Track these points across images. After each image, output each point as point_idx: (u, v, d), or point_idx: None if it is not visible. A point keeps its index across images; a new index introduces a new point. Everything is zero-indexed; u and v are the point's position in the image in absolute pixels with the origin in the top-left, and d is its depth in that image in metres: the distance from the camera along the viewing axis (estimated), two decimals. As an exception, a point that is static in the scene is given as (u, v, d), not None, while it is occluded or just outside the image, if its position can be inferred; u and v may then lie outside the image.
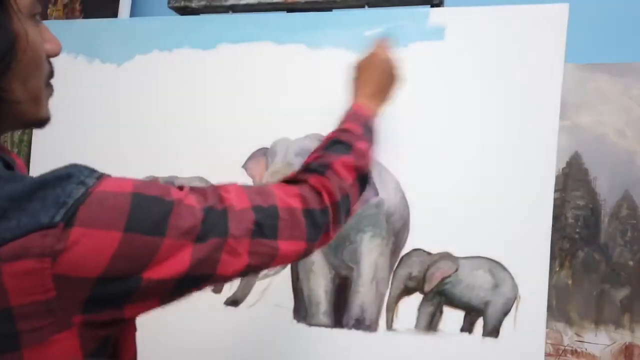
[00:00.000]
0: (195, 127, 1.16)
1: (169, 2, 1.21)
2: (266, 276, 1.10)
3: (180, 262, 0.55)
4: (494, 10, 1.05)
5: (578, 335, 1.33)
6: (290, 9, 1.15)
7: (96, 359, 0.55)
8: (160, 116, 1.19)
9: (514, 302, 1.00)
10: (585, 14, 1.24)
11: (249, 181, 1.12)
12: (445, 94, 1.06)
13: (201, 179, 1.13)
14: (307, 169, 0.77)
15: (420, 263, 1.04)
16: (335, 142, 0.81)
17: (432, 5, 1.09)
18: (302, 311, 1.08)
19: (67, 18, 1.62)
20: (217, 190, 0.63)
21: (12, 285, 0.48)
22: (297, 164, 1.09)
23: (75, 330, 0.51)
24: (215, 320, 1.10)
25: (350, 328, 1.05)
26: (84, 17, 1.62)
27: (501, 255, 1.01)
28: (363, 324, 1.05)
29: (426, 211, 1.04)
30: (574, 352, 1.33)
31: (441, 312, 1.03)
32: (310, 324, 1.07)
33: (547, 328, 1.00)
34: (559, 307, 1.33)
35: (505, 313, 1.00)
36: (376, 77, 0.92)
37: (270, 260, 0.65)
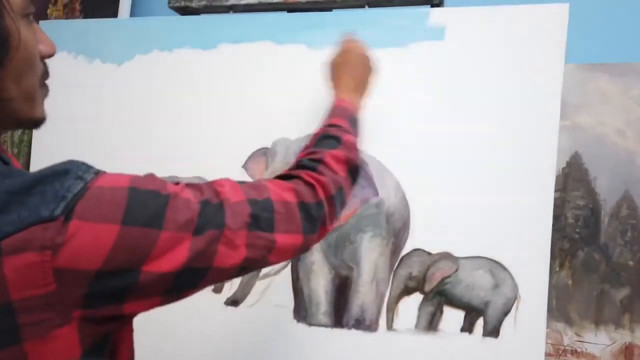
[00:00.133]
0: (196, 127, 1.16)
1: (169, 2, 1.21)
2: (266, 276, 1.10)
3: (178, 254, 0.56)
4: (494, 11, 1.05)
5: (578, 335, 1.33)
6: (291, 9, 1.15)
7: (95, 355, 0.56)
8: (161, 116, 1.19)
9: (514, 302, 1.00)
10: (585, 14, 1.24)
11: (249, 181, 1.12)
12: (445, 94, 1.06)
13: (201, 179, 1.13)
14: (298, 165, 0.78)
15: (421, 263, 1.04)
16: (324, 137, 0.82)
17: (432, 5, 1.09)
18: (302, 311, 1.08)
19: (67, 18, 1.62)
20: (212, 185, 0.64)
21: (13, 278, 0.48)
22: (297, 164, 1.09)
23: (75, 325, 0.52)
24: (215, 320, 1.10)
25: (350, 328, 1.05)
26: (84, 17, 1.62)
27: (501, 255, 1.01)
28: (363, 324, 1.05)
29: (426, 211, 1.04)
30: (574, 352, 1.33)
31: (441, 312, 1.03)
32: (311, 324, 1.07)
33: (547, 328, 1.00)
34: (559, 307, 1.33)
35: (506, 313, 1.00)
36: (353, 72, 0.94)
37: (267, 254, 0.66)
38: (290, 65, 1.13)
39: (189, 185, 0.62)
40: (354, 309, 1.06)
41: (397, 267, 1.05)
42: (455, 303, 1.03)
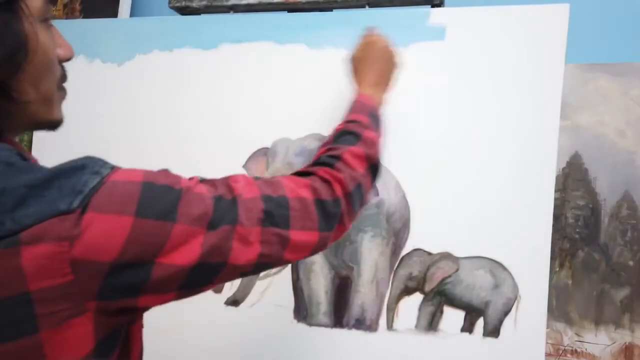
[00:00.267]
0: (196, 126, 1.16)
1: (169, 2, 1.21)
2: (266, 276, 1.10)
3: (192, 248, 0.57)
4: (495, 11, 1.05)
5: (578, 335, 1.33)
6: (291, 9, 1.15)
7: (107, 348, 0.57)
8: (161, 116, 1.19)
9: (514, 302, 1.00)
10: (586, 14, 1.25)
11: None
12: (446, 94, 1.06)
13: (201, 179, 1.13)
14: (317, 162, 0.78)
15: (421, 263, 1.04)
16: (344, 134, 0.81)
17: (433, 5, 1.09)
18: (302, 311, 1.08)
19: (67, 18, 1.62)
20: (226, 180, 0.64)
21: (31, 269, 0.50)
22: (297, 163, 1.09)
23: (90, 315, 0.53)
24: (215, 320, 1.10)
25: (350, 328, 1.05)
26: (84, 17, 1.62)
27: (502, 255, 1.01)
28: (363, 324, 1.05)
29: (427, 211, 1.04)
30: (574, 352, 1.33)
31: (441, 312, 1.03)
32: (311, 324, 1.07)
33: (547, 328, 1.00)
34: (559, 307, 1.34)
35: (506, 313, 1.00)
36: (376, 66, 0.93)
37: (282, 250, 0.66)
38: (290, 65, 1.13)
39: (203, 180, 0.63)
40: (354, 309, 1.06)
41: (398, 267, 1.05)
42: (456, 303, 1.03)
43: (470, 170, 1.03)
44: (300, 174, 0.75)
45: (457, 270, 1.03)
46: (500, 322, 1.00)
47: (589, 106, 1.33)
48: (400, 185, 1.06)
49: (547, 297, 0.99)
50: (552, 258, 1.01)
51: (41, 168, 0.54)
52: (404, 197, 1.05)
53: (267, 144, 1.12)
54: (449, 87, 1.06)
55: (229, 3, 1.18)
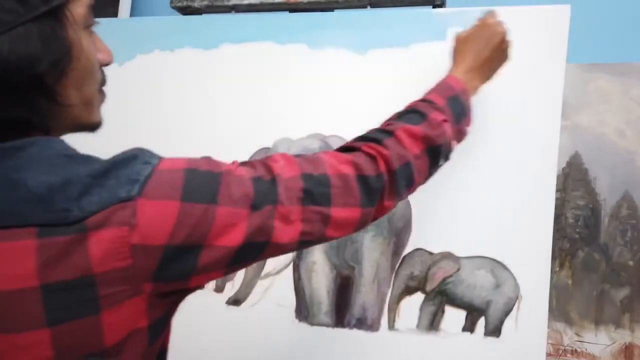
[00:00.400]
0: (197, 127, 1.16)
1: (171, 2, 1.21)
2: (268, 275, 1.10)
3: (237, 230, 0.60)
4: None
5: (578, 335, 1.33)
6: (293, 9, 1.15)
7: (159, 327, 0.61)
8: (162, 116, 1.19)
9: (515, 301, 1.00)
10: (586, 14, 1.25)
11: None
12: (447, 94, 1.06)
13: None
14: (366, 136, 0.77)
15: (422, 263, 1.04)
16: (410, 111, 0.80)
17: (434, 6, 1.09)
18: (303, 311, 1.08)
19: (67, 18, 1.62)
20: (265, 161, 0.66)
21: (96, 253, 0.53)
22: (298, 163, 1.09)
23: (145, 297, 0.56)
24: (217, 319, 1.10)
25: (351, 328, 1.05)
26: (84, 17, 1.62)
27: (502, 255, 1.01)
28: (365, 324, 1.05)
29: (428, 211, 1.04)
30: (574, 352, 1.33)
31: (443, 312, 1.03)
32: (312, 324, 1.07)
33: (547, 328, 1.00)
34: (559, 307, 1.34)
35: (507, 313, 1.00)
36: (480, 50, 0.89)
37: (324, 227, 0.67)
38: (291, 65, 1.13)
39: (242, 163, 0.65)
40: (356, 308, 1.06)
41: (399, 266, 1.05)
42: (457, 303, 1.03)
43: (471, 170, 1.04)
44: (344, 149, 0.75)
45: (458, 270, 1.03)
46: (501, 321, 1.01)
47: (589, 106, 1.33)
48: (401, 185, 1.06)
49: (548, 296, 0.99)
50: (552, 258, 1.01)
51: (97, 159, 0.58)
52: (405, 197, 1.05)
53: (268, 144, 1.12)
54: (450, 87, 1.06)
55: (230, 3, 1.18)
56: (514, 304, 1.00)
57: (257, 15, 1.17)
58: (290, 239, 0.64)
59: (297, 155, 0.69)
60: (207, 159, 0.62)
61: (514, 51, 1.03)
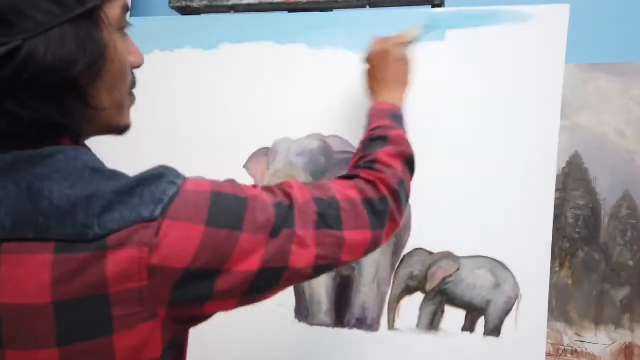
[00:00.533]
0: (196, 127, 1.16)
1: (170, 2, 1.21)
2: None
3: (256, 255, 0.59)
4: (495, 11, 1.05)
5: (578, 335, 1.33)
6: (292, 9, 1.15)
7: (172, 352, 0.59)
8: (161, 116, 1.18)
9: (515, 301, 1.00)
10: (586, 14, 1.25)
11: (250, 181, 1.12)
12: (446, 94, 1.06)
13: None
14: (356, 167, 0.79)
15: (422, 262, 1.04)
16: (371, 141, 0.83)
17: (433, 6, 1.09)
18: (303, 311, 1.08)
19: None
20: (282, 187, 0.66)
21: (112, 272, 0.52)
22: (298, 163, 1.09)
23: (159, 321, 0.55)
24: (216, 319, 1.09)
25: (351, 327, 1.05)
26: (84, 17, 1.62)
27: (502, 254, 1.01)
28: (365, 324, 1.05)
29: (427, 211, 1.04)
30: (574, 352, 1.33)
31: (443, 312, 1.03)
32: (312, 324, 1.07)
33: (547, 328, 1.00)
34: (559, 307, 1.34)
35: (507, 312, 1.00)
36: (382, 71, 0.94)
37: (338, 251, 0.67)
38: (291, 65, 1.13)
39: (264, 188, 0.65)
40: (356, 308, 1.06)
41: (399, 266, 1.05)
42: (457, 302, 1.03)
43: (471, 170, 1.04)
44: (344, 177, 0.77)
45: (458, 269, 1.03)
46: (501, 321, 1.01)
47: (589, 106, 1.33)
48: (401, 185, 1.06)
49: (547, 296, 0.99)
50: (552, 258, 1.01)
51: (123, 175, 0.57)
52: (405, 197, 1.05)
53: (268, 144, 1.12)
54: (449, 87, 1.06)
55: (230, 3, 1.18)
56: (513, 304, 1.00)
57: (257, 15, 1.17)
58: (306, 264, 0.64)
59: (305, 184, 0.69)
60: (232, 182, 0.62)
61: (513, 51, 1.04)
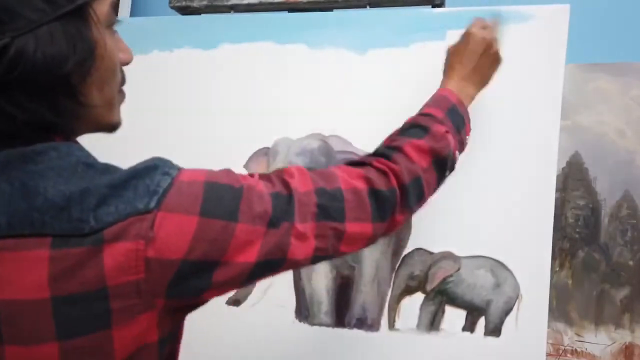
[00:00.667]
0: (196, 127, 1.16)
1: (170, 2, 1.21)
2: (268, 276, 1.09)
3: (254, 247, 0.59)
4: (495, 11, 1.05)
5: (578, 335, 1.33)
6: (292, 8, 1.15)
7: (169, 341, 0.60)
8: (161, 116, 1.18)
9: (515, 301, 1.00)
10: (586, 14, 1.25)
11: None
12: (446, 94, 1.06)
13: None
14: (375, 152, 0.78)
15: (422, 262, 1.04)
16: (412, 126, 0.81)
17: (434, 6, 1.09)
18: (303, 311, 1.08)
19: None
20: (281, 175, 0.66)
21: (110, 265, 0.52)
22: (298, 163, 1.09)
23: (156, 312, 0.55)
24: (216, 320, 1.10)
25: (352, 327, 1.05)
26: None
27: (502, 254, 1.01)
28: (365, 324, 1.05)
29: (428, 211, 1.04)
30: (574, 352, 1.33)
31: (443, 312, 1.03)
32: (312, 324, 1.07)
33: (547, 328, 1.00)
34: (559, 307, 1.34)
35: (507, 312, 1.00)
36: (470, 59, 0.90)
37: (337, 243, 0.67)
38: (291, 65, 1.13)
39: (261, 177, 0.65)
40: (356, 308, 1.06)
41: (399, 266, 1.05)
42: (457, 302, 1.03)
43: (471, 170, 1.03)
44: (355, 163, 0.75)
45: (458, 269, 1.03)
46: (502, 321, 1.00)
47: (589, 106, 1.33)
48: (401, 185, 1.06)
49: (548, 296, 0.99)
50: (552, 258, 1.01)
51: (116, 168, 0.57)
52: (405, 197, 1.05)
53: (268, 143, 1.12)
54: (450, 87, 1.06)
55: (230, 3, 1.18)
56: (514, 304, 1.00)
57: (256, 15, 1.17)
58: (305, 255, 0.64)
59: (311, 169, 0.69)
60: (227, 171, 0.62)
61: (513, 51, 1.03)
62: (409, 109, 1.06)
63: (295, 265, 0.64)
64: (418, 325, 1.03)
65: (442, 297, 1.03)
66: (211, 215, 0.56)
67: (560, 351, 1.34)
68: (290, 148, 1.10)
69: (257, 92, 1.14)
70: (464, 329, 1.02)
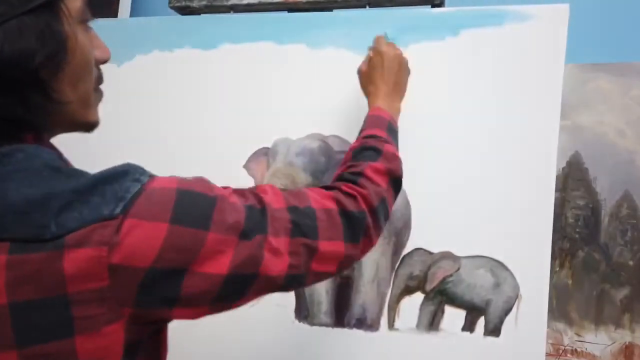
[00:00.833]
0: (196, 127, 1.16)
1: (169, 2, 1.21)
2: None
3: (225, 258, 0.57)
4: (495, 11, 1.05)
5: (578, 335, 1.33)
6: (291, 9, 1.15)
7: (132, 353, 0.57)
8: (161, 117, 1.18)
9: (515, 301, 1.00)
10: (586, 14, 1.25)
11: (250, 181, 1.12)
12: (446, 94, 1.06)
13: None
14: (339, 178, 0.78)
15: (422, 262, 1.04)
16: (363, 149, 0.82)
17: (433, 6, 1.09)
18: (303, 311, 1.08)
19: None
20: (255, 191, 0.65)
21: (71, 271, 0.50)
22: (298, 163, 1.09)
23: (123, 322, 0.54)
24: (216, 320, 1.09)
25: (351, 327, 1.05)
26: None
27: (502, 254, 1.01)
28: (364, 324, 1.05)
29: (427, 211, 1.04)
30: (574, 352, 1.33)
31: (442, 312, 1.03)
32: (312, 324, 1.07)
33: (547, 328, 1.00)
34: (559, 307, 1.34)
35: (507, 312, 1.00)
36: (388, 76, 0.93)
37: (309, 260, 0.66)
38: (291, 65, 1.13)
39: (235, 191, 0.63)
40: (355, 308, 1.06)
41: (399, 266, 1.05)
42: (457, 302, 1.03)
43: (471, 170, 1.04)
44: (323, 187, 0.75)
45: (458, 269, 1.03)
46: (501, 321, 1.00)
47: (589, 106, 1.33)
48: (401, 185, 1.06)
49: (547, 296, 0.99)
50: (552, 258, 1.01)
51: (84, 173, 0.55)
52: (405, 197, 1.05)
53: (268, 143, 1.12)
54: (449, 87, 1.06)
55: (229, 3, 1.18)
56: (513, 304, 1.00)
57: (256, 15, 1.17)
58: (279, 272, 0.62)
59: (283, 189, 0.68)
60: (200, 180, 0.60)
61: (513, 51, 1.03)
62: (409, 109, 1.06)
63: (268, 283, 0.62)
64: (418, 325, 1.03)
65: (441, 297, 1.03)
66: (182, 223, 0.55)
67: (560, 351, 1.34)
68: (290, 148, 1.10)
69: (257, 92, 1.14)
70: (464, 329, 1.02)
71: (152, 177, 0.57)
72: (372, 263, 1.06)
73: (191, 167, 1.14)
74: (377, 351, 1.04)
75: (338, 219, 0.69)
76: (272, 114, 1.13)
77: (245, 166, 1.13)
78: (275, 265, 0.61)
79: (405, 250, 1.05)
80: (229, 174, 1.10)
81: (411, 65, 0.99)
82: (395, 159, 0.83)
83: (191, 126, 1.17)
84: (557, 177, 1.25)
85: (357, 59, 1.05)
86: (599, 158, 1.33)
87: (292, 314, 1.08)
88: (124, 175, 0.55)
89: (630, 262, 1.31)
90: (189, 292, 0.56)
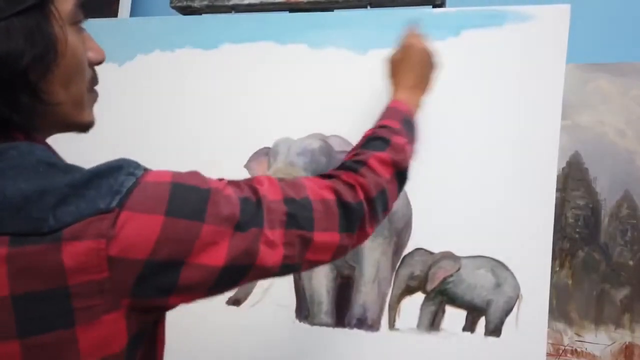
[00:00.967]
0: (197, 127, 1.16)
1: (171, 2, 1.21)
2: (268, 276, 1.10)
3: (221, 249, 0.58)
4: (496, 11, 1.06)
5: (578, 335, 1.33)
6: (293, 9, 1.15)
7: (139, 343, 0.58)
8: (162, 116, 1.19)
9: (515, 301, 1.00)
10: (586, 14, 1.25)
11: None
12: (447, 94, 1.06)
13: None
14: (341, 166, 0.78)
15: (423, 262, 1.04)
16: (372, 139, 0.82)
17: (434, 6, 1.09)
18: (304, 311, 1.08)
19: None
20: (250, 182, 0.66)
21: (70, 264, 0.51)
22: (299, 163, 1.09)
23: (123, 312, 0.55)
24: (217, 320, 1.10)
25: (352, 327, 1.05)
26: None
27: (503, 254, 1.01)
28: (365, 324, 1.05)
29: (428, 211, 1.04)
30: (574, 352, 1.33)
31: (443, 312, 1.03)
32: (312, 324, 1.07)
33: (547, 328, 1.00)
34: (559, 307, 1.34)
35: (507, 312, 1.00)
36: (414, 69, 0.93)
37: (304, 251, 0.67)
38: (292, 65, 1.13)
39: (229, 182, 0.64)
40: (356, 308, 1.06)
41: (399, 266, 1.05)
42: (457, 302, 1.03)
43: (472, 170, 1.04)
44: (323, 176, 0.76)
45: (458, 269, 1.03)
46: (502, 321, 1.01)
47: (589, 106, 1.33)
48: (401, 185, 1.06)
49: (548, 296, 0.99)
50: (552, 258, 1.02)
51: (79, 168, 0.56)
52: (405, 197, 1.05)
53: (269, 143, 1.12)
54: (450, 87, 1.06)
55: (230, 3, 1.18)
56: (514, 304, 1.00)
57: (257, 15, 1.17)
58: (273, 263, 0.63)
59: (280, 180, 0.69)
60: (194, 173, 0.61)
61: (514, 51, 1.04)
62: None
63: (263, 273, 0.64)
64: (418, 325, 1.03)
65: (442, 297, 1.03)
66: (177, 215, 0.56)
67: (560, 351, 1.34)
68: (291, 148, 1.11)
69: (257, 92, 1.14)
70: (464, 329, 1.02)
71: (146, 170, 0.58)
72: (373, 263, 1.06)
73: (192, 167, 1.14)
74: (378, 351, 1.04)
75: (335, 210, 0.70)
76: (273, 113, 1.13)
77: (246, 166, 1.13)
78: (271, 256, 0.62)
79: (406, 250, 1.05)
80: (230, 173, 1.10)
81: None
82: (403, 151, 0.82)
83: (192, 126, 1.17)
84: (557, 177, 1.25)
85: (358, 59, 1.06)
86: (599, 158, 1.33)
87: (293, 314, 1.08)
88: (119, 170, 0.56)
89: (630, 262, 1.32)
90: (186, 283, 0.57)
